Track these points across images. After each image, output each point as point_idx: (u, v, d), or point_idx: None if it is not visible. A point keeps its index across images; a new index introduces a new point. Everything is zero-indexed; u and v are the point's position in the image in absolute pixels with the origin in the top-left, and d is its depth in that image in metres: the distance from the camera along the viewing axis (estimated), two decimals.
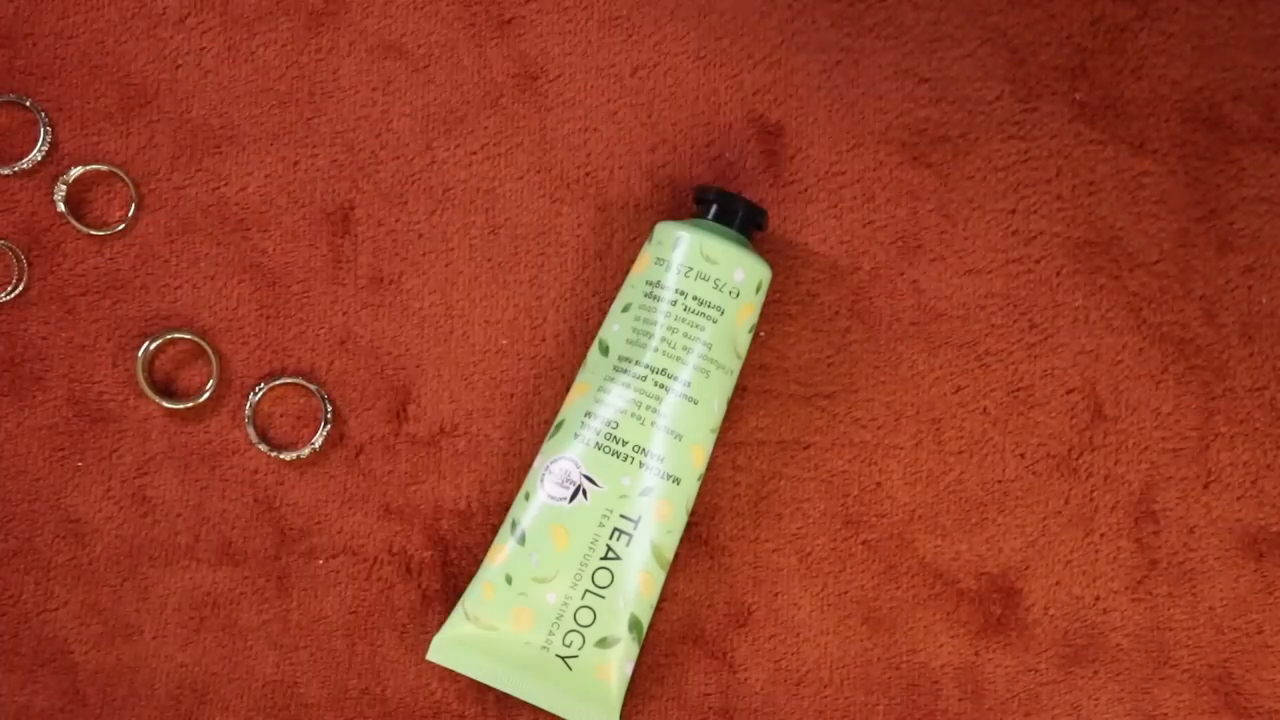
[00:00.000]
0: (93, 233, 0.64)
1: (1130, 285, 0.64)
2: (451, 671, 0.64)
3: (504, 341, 0.64)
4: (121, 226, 0.64)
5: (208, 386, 0.63)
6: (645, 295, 0.57)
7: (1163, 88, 0.64)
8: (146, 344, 0.63)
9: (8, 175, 0.64)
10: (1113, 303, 0.64)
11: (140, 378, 0.63)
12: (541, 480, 0.56)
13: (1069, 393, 0.64)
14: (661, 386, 0.55)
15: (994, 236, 0.64)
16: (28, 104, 0.63)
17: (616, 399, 0.55)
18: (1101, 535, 0.64)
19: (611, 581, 0.55)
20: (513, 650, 0.55)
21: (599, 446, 0.55)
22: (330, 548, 0.64)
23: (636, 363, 0.55)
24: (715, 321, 0.55)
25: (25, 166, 0.63)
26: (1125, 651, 0.64)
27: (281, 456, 0.63)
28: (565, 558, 0.55)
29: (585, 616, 0.55)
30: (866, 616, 0.64)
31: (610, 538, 0.55)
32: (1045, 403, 0.64)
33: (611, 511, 0.55)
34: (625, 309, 0.58)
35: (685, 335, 0.55)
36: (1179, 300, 0.64)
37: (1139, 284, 0.64)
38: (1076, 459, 0.64)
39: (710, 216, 0.58)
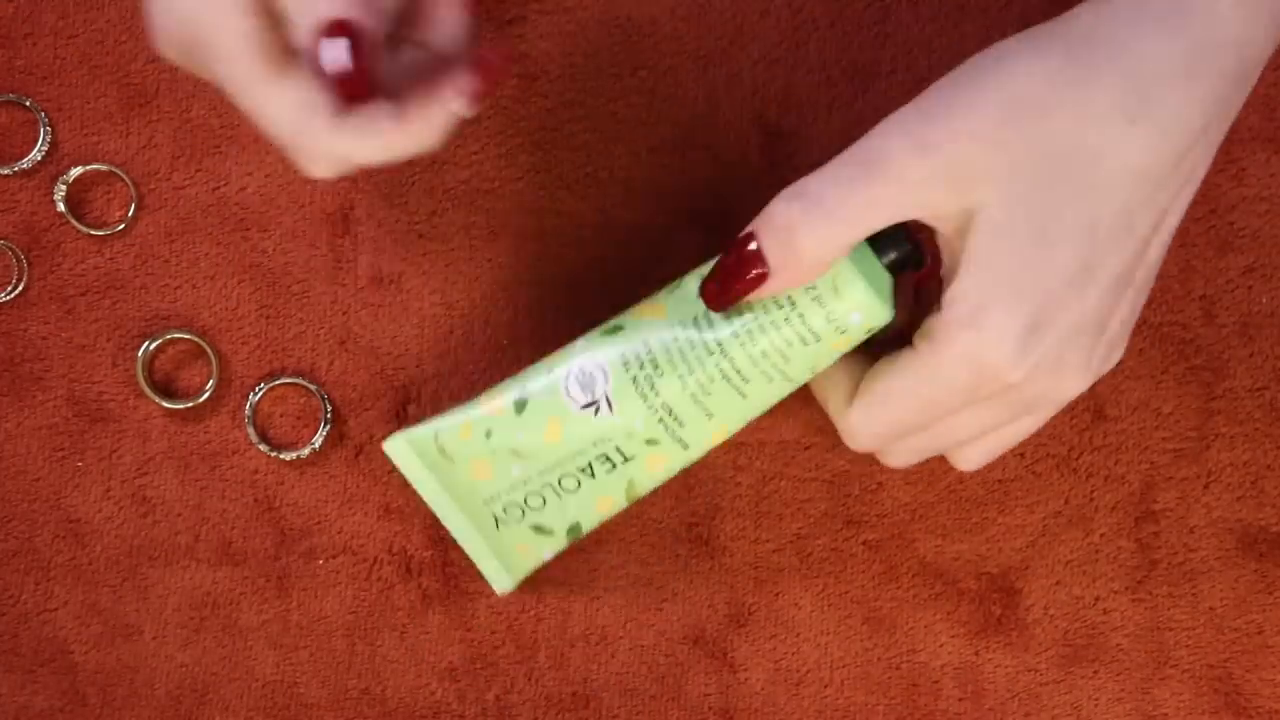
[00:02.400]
0: (92, 233, 0.63)
1: None
2: (452, 671, 0.64)
3: (504, 341, 0.64)
4: (121, 226, 0.64)
5: (207, 386, 0.63)
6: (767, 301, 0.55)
7: None
8: (146, 344, 0.63)
9: (8, 175, 0.64)
10: None
11: (140, 378, 0.63)
12: (569, 372, 0.54)
13: None
14: (722, 372, 0.53)
15: None
16: (28, 104, 0.63)
17: (676, 353, 0.53)
18: (1101, 535, 0.64)
19: (577, 489, 0.55)
20: (456, 485, 0.56)
21: (634, 380, 0.53)
22: (330, 548, 0.64)
23: (714, 334, 0.53)
24: (807, 345, 0.52)
25: (25, 166, 0.63)
26: (1125, 651, 0.64)
27: (281, 456, 0.63)
28: (548, 449, 0.54)
29: (535, 501, 0.55)
30: (867, 616, 0.64)
31: (597, 459, 0.54)
32: None
33: (610, 440, 0.54)
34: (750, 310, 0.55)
35: (770, 340, 0.52)
36: (1179, 300, 0.64)
37: None
38: (1076, 459, 0.64)
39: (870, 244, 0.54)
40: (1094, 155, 0.46)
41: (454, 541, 0.64)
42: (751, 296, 0.50)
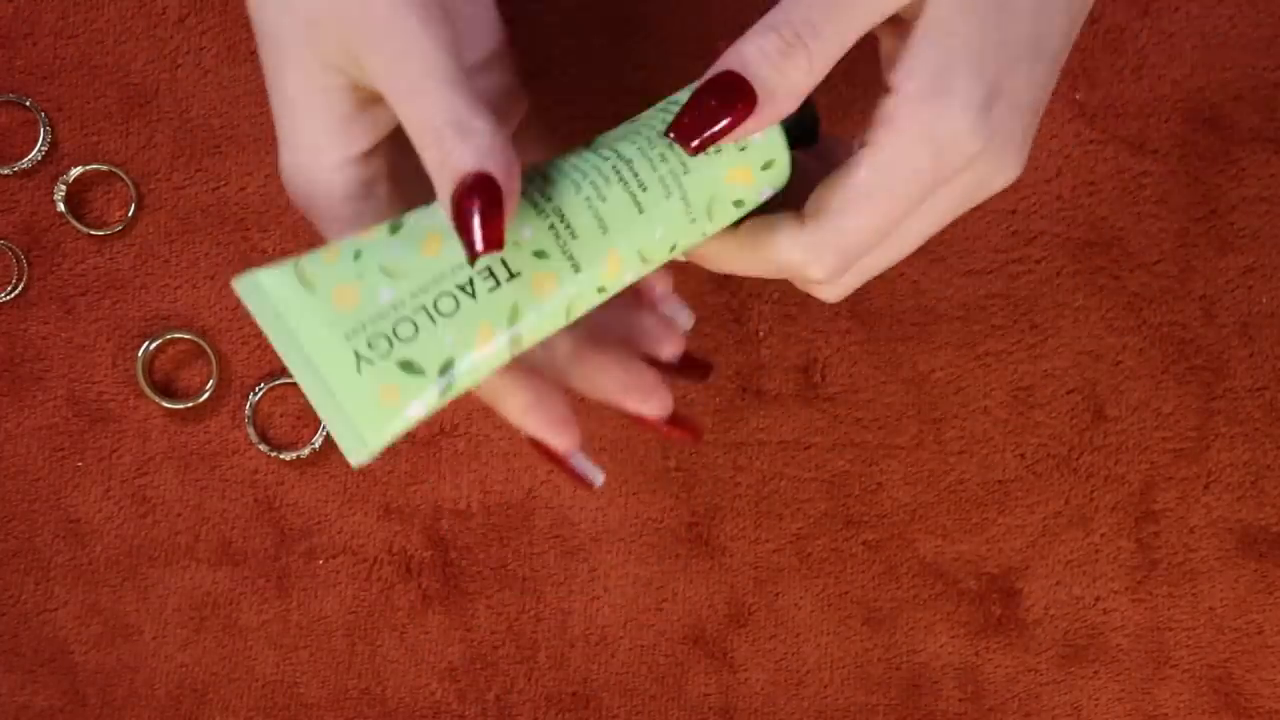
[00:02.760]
0: (92, 232, 0.63)
1: (1130, 285, 0.64)
2: (452, 671, 0.64)
3: None
4: (121, 226, 0.64)
5: (207, 386, 0.63)
6: (660, 108, 0.51)
7: (1163, 87, 0.64)
8: (146, 344, 0.63)
9: (7, 175, 0.64)
10: (1113, 303, 0.64)
11: (140, 378, 0.63)
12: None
13: (1069, 393, 0.64)
14: (618, 174, 0.49)
15: (994, 236, 0.64)
16: (27, 104, 0.63)
17: (572, 165, 0.49)
18: (1102, 535, 0.64)
19: (454, 312, 0.48)
20: (315, 322, 0.47)
21: (524, 194, 0.49)
22: (330, 548, 0.64)
23: (609, 149, 0.50)
24: (706, 154, 0.49)
25: (25, 166, 0.63)
26: (1125, 651, 0.64)
27: (281, 456, 0.63)
28: (423, 264, 0.48)
29: (405, 330, 0.47)
30: (867, 616, 0.64)
31: (479, 272, 0.48)
32: (1045, 403, 0.64)
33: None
34: (633, 121, 0.52)
35: (669, 147, 0.49)
36: (1179, 300, 0.64)
37: (1139, 284, 0.64)
38: (1077, 459, 0.64)
39: None
40: None
41: (456, 546, 0.64)
42: (735, 134, 0.47)
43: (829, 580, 0.64)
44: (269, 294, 0.47)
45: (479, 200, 0.44)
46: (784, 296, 0.64)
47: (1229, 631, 0.64)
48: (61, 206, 0.63)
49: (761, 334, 0.64)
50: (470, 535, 0.64)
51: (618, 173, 0.49)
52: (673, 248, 0.50)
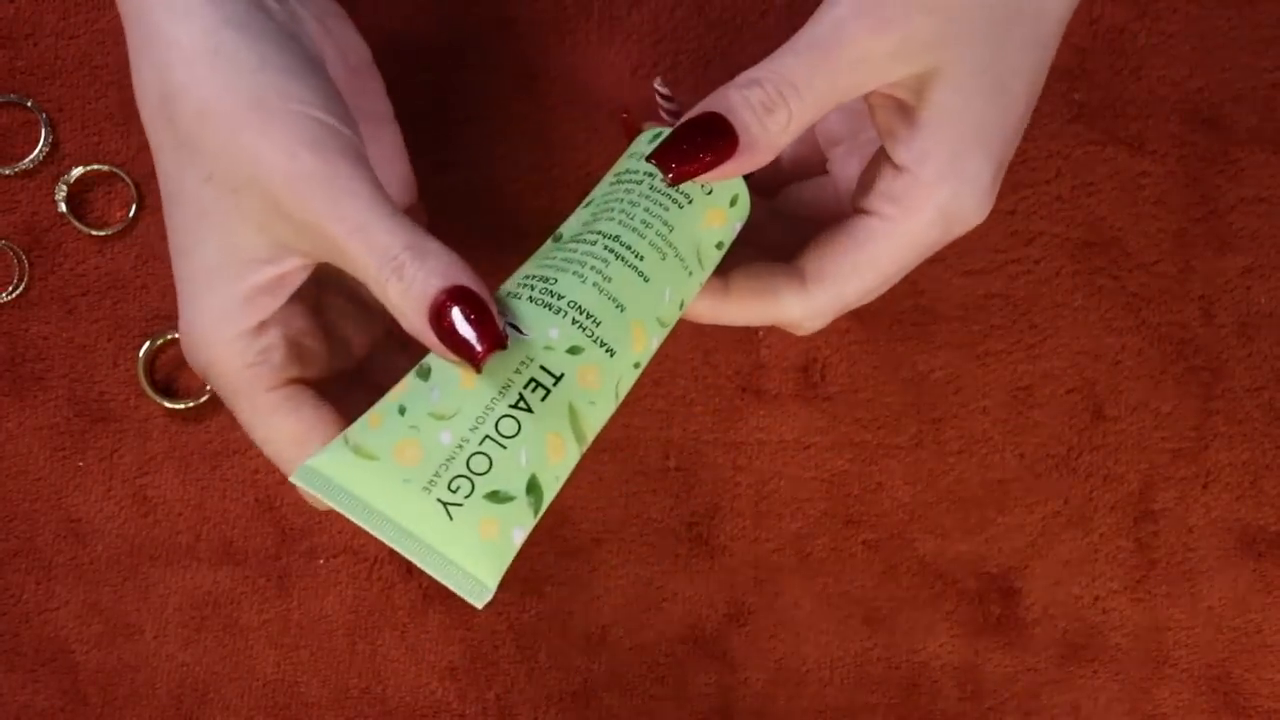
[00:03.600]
0: (94, 233, 0.64)
1: (1129, 285, 0.64)
2: (452, 671, 0.64)
3: None
4: (122, 226, 0.64)
5: (208, 386, 0.63)
6: (612, 184, 0.52)
7: (1162, 88, 0.64)
8: (147, 344, 0.63)
9: (9, 175, 0.64)
10: (1112, 303, 0.64)
11: (141, 377, 0.63)
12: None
13: (1068, 393, 0.64)
14: (612, 252, 0.49)
15: (994, 236, 0.64)
16: (29, 104, 0.63)
17: (560, 260, 0.50)
18: (1101, 535, 0.64)
19: (518, 432, 0.47)
20: (389, 486, 0.46)
21: (532, 299, 0.48)
22: (331, 547, 0.64)
23: (591, 232, 0.50)
24: (681, 207, 0.50)
25: (26, 167, 0.63)
26: (1124, 651, 0.64)
27: None
28: (470, 397, 0.47)
29: (480, 464, 0.46)
30: (866, 616, 0.64)
31: (525, 386, 0.47)
32: (1044, 403, 0.64)
33: (532, 361, 0.48)
34: (587, 204, 0.52)
35: (647, 211, 0.50)
36: (1178, 300, 0.64)
37: (1139, 284, 0.64)
38: (1076, 459, 0.64)
39: None
40: (1039, 9, 0.49)
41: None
42: (715, 174, 0.48)
43: (829, 580, 0.64)
44: (333, 478, 0.47)
45: (466, 309, 0.45)
46: None
47: (1228, 631, 0.64)
48: (63, 207, 0.63)
49: (761, 334, 0.64)
50: None
51: (612, 251, 0.49)
52: (681, 304, 0.51)
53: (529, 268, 0.50)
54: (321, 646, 0.64)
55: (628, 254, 0.49)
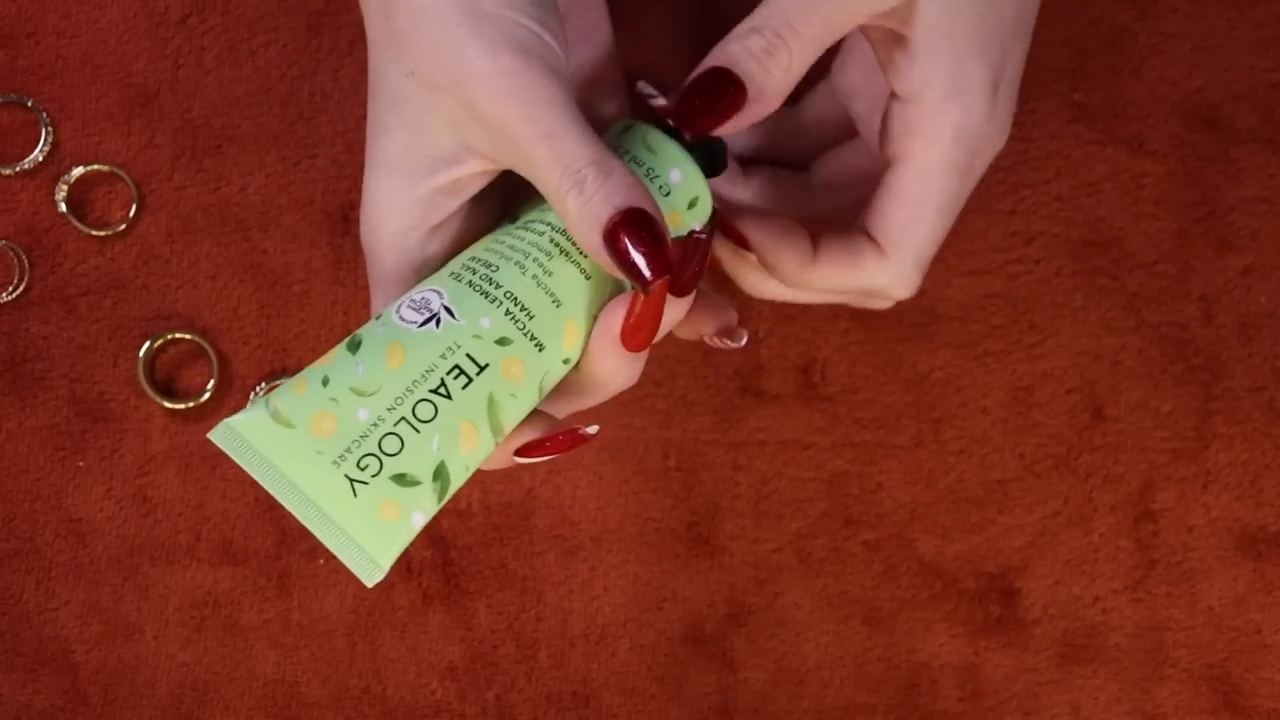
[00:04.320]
0: (94, 233, 0.64)
1: (1130, 285, 0.64)
2: (452, 671, 0.64)
3: None
4: (122, 226, 0.64)
5: (208, 386, 0.64)
6: None
7: (1162, 88, 0.64)
8: (147, 344, 0.63)
9: (9, 175, 0.64)
10: (1113, 303, 0.64)
11: (141, 377, 0.63)
12: (398, 307, 0.49)
13: (1069, 393, 0.64)
14: (558, 246, 0.49)
15: (994, 236, 0.64)
16: (29, 104, 0.64)
17: (506, 248, 0.50)
18: (1101, 535, 0.64)
19: (434, 417, 0.48)
20: (301, 456, 0.47)
21: (471, 285, 0.49)
22: None
23: (541, 222, 0.50)
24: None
25: (27, 166, 0.63)
26: (1124, 651, 0.64)
27: None
28: (393, 376, 0.48)
29: (392, 444, 0.47)
30: (866, 616, 0.64)
31: (448, 373, 0.48)
32: (1045, 403, 0.64)
33: (459, 347, 0.48)
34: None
35: None
36: (1178, 300, 0.64)
37: (1139, 284, 0.64)
38: (1076, 459, 0.64)
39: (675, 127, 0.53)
40: None
41: (456, 546, 0.64)
42: (728, 126, 0.49)
43: (829, 580, 0.64)
44: (248, 440, 0.47)
45: (641, 233, 0.45)
46: None
47: (1227, 631, 0.64)
48: (63, 207, 0.63)
49: (761, 334, 0.64)
50: (470, 535, 0.64)
51: (558, 245, 0.49)
52: None
53: (478, 248, 0.50)
54: (321, 646, 0.64)
55: (573, 249, 0.49)
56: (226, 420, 0.47)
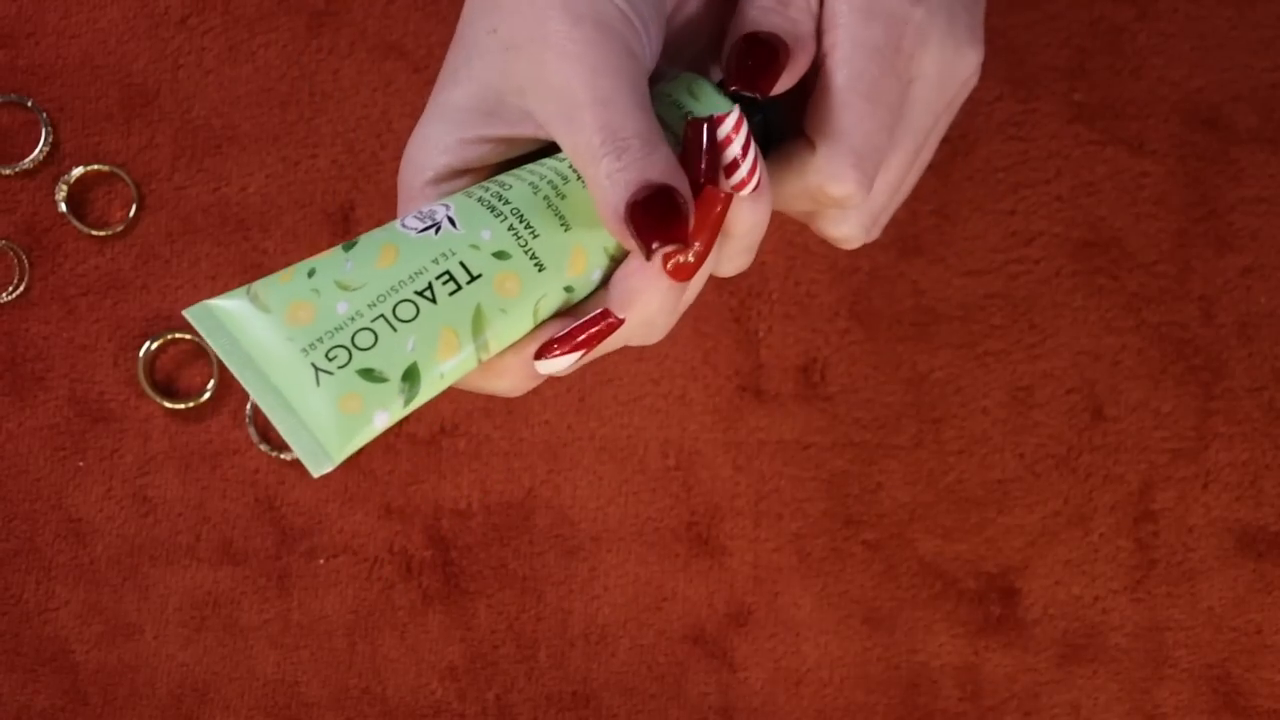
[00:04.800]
0: (94, 233, 0.64)
1: (1129, 285, 0.64)
2: (452, 671, 0.64)
3: None
4: (122, 227, 0.64)
5: (209, 386, 0.64)
6: None
7: (1162, 88, 0.64)
8: (147, 344, 0.63)
9: (9, 175, 0.64)
10: (1112, 303, 0.64)
11: (141, 377, 0.63)
12: (404, 217, 0.49)
13: (1068, 393, 0.64)
14: (575, 172, 0.48)
15: (994, 237, 0.64)
16: (29, 104, 0.64)
17: (525, 171, 0.49)
18: (1101, 535, 0.64)
19: (414, 318, 0.46)
20: (271, 340, 0.46)
21: (480, 200, 0.48)
22: (331, 547, 0.64)
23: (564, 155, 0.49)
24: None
25: (27, 166, 0.63)
26: (1124, 651, 0.64)
27: (282, 456, 0.63)
28: (380, 275, 0.47)
29: (365, 339, 0.46)
30: (866, 616, 0.64)
31: (438, 278, 0.47)
32: (1044, 403, 0.64)
33: (453, 254, 0.47)
34: None
35: None
36: (1178, 300, 0.64)
37: (1138, 284, 0.64)
38: (1076, 459, 0.64)
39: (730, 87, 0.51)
40: None
41: (456, 546, 0.64)
42: (783, 82, 0.48)
43: (829, 580, 0.64)
44: (222, 319, 0.46)
45: (665, 212, 0.45)
46: (784, 296, 0.64)
47: (1227, 631, 0.64)
48: (63, 207, 0.63)
49: (761, 334, 0.64)
50: (470, 535, 0.64)
51: (576, 173, 0.48)
52: None
53: (508, 172, 0.49)
54: (321, 646, 0.64)
55: None
56: (204, 300, 0.46)
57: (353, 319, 0.46)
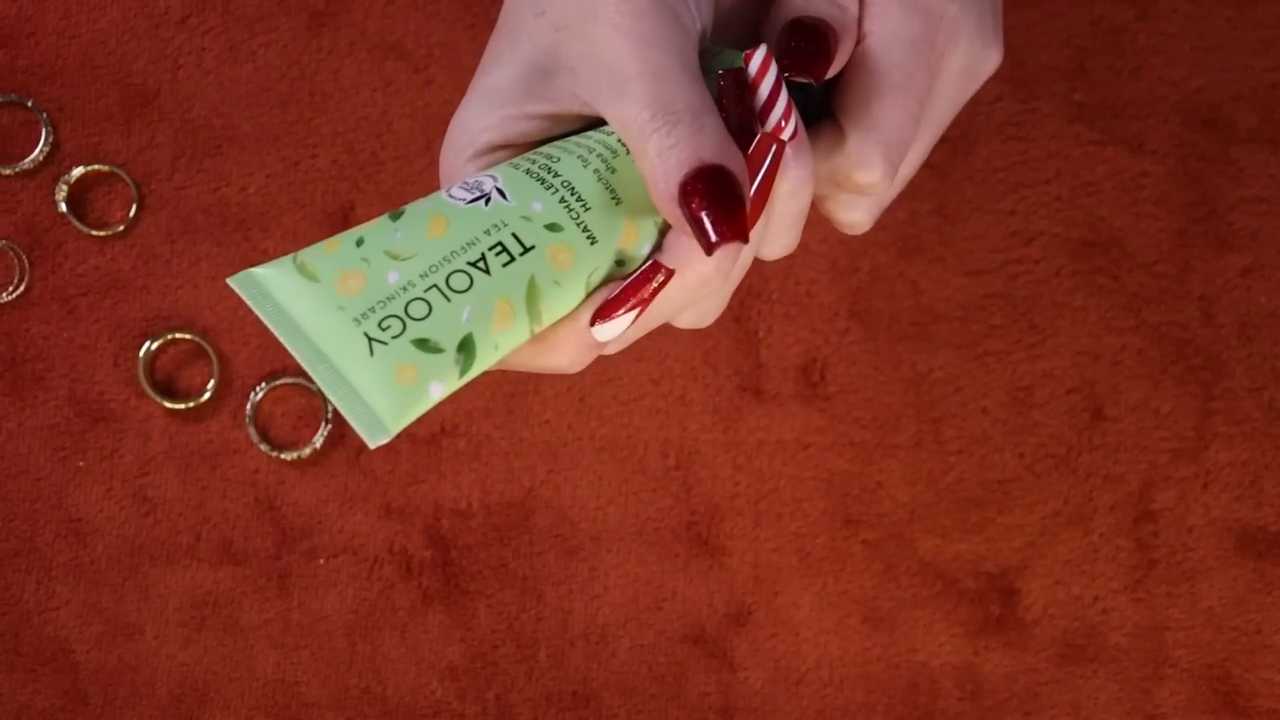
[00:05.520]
0: (94, 233, 0.64)
1: (1129, 285, 0.64)
2: (452, 671, 0.64)
3: None
4: (122, 227, 0.64)
5: (209, 386, 0.64)
6: None
7: (1162, 88, 0.64)
8: (147, 344, 0.63)
9: (9, 175, 0.64)
10: (1111, 303, 0.64)
11: (141, 378, 0.63)
12: (450, 188, 0.48)
13: (1068, 392, 0.64)
14: (625, 146, 0.47)
15: (994, 237, 0.64)
16: (29, 104, 0.64)
17: (572, 144, 0.48)
18: (1100, 535, 0.64)
19: (468, 289, 0.46)
20: (320, 309, 0.45)
21: (529, 172, 0.47)
22: (331, 547, 0.64)
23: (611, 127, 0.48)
24: None
25: (27, 166, 0.64)
26: (1124, 651, 0.64)
27: (282, 456, 0.63)
28: (431, 245, 0.46)
29: (419, 309, 0.45)
30: (866, 616, 0.64)
31: (490, 248, 0.46)
32: (1044, 402, 0.64)
33: (505, 225, 0.46)
34: None
35: None
36: (1178, 300, 0.64)
37: (1138, 284, 0.64)
38: (1075, 459, 0.64)
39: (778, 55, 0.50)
40: None
41: (456, 546, 0.64)
42: (834, 66, 0.48)
43: (829, 580, 0.64)
44: (268, 289, 0.45)
45: (720, 195, 0.44)
46: (784, 296, 0.64)
47: (1227, 631, 0.64)
48: (63, 207, 0.63)
49: (761, 334, 0.64)
50: (470, 535, 0.64)
51: (622, 145, 0.47)
52: None
53: (543, 146, 0.49)
54: (321, 646, 0.64)
55: None
56: (249, 269, 0.45)
57: (405, 289, 0.45)
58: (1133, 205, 0.64)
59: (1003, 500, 0.64)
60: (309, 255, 0.46)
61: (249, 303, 0.45)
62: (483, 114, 0.48)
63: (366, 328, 0.45)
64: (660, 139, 0.44)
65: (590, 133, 0.48)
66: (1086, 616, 0.64)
